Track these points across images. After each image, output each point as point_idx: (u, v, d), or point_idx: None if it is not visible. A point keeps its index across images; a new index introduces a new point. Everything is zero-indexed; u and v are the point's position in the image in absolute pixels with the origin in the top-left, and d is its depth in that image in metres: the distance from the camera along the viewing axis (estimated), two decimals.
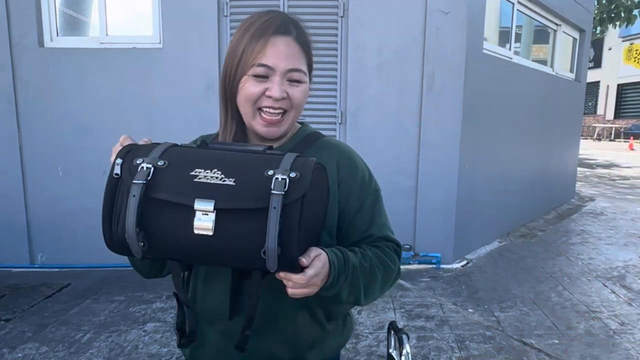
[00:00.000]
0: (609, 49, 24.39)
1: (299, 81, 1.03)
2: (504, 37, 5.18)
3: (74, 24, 4.20)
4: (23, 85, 3.85)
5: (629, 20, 11.19)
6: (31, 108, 3.88)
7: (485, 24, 4.39)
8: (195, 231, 0.81)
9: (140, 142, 0.95)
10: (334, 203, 1.07)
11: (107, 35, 3.93)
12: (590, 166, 12.49)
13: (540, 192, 6.08)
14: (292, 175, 0.83)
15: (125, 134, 0.98)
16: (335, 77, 3.96)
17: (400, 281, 3.78)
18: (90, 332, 2.90)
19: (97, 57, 3.87)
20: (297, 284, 0.86)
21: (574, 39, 6.87)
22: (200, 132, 4.14)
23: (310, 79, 1.10)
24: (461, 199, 4.16)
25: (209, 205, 0.81)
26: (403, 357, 0.87)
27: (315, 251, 0.89)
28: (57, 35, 3.94)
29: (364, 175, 1.15)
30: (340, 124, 4.01)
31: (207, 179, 0.83)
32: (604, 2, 11.35)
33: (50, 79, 3.85)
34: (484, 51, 4.42)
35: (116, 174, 0.88)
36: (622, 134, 23.35)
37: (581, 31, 6.87)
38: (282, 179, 0.82)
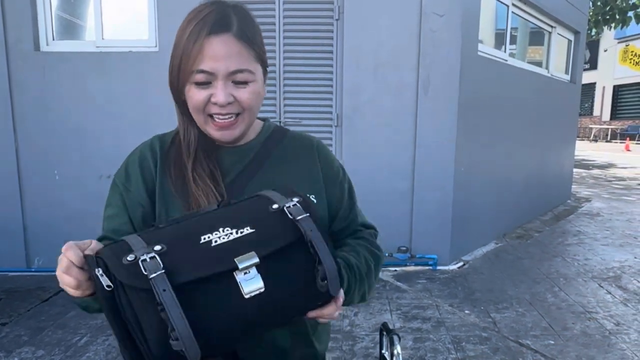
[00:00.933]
0: (605, 51, 24.48)
1: (245, 82, 0.95)
2: (499, 39, 5.21)
3: (70, 28, 4.21)
4: (19, 89, 3.85)
5: (624, 21, 11.24)
6: (27, 112, 3.88)
7: (480, 26, 4.41)
8: (247, 296, 0.70)
9: (88, 250, 0.74)
10: (322, 191, 1.07)
11: (103, 39, 3.93)
12: (586, 167, 12.52)
13: (536, 193, 6.10)
14: (296, 199, 0.79)
15: (67, 245, 0.74)
16: (331, 79, 3.97)
17: (397, 283, 3.79)
18: (87, 336, 2.90)
19: (93, 61, 3.87)
20: (331, 315, 0.83)
21: (569, 40, 6.90)
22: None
23: (265, 72, 1.02)
24: (457, 200, 4.17)
25: (253, 259, 0.71)
26: (394, 358, 0.88)
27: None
28: (53, 39, 3.94)
29: (339, 164, 1.15)
30: (336, 126, 4.02)
31: (223, 239, 0.73)
32: (598, 3, 11.40)
33: (47, 83, 3.85)
34: (479, 53, 4.44)
35: (108, 286, 0.69)
36: (619, 135, 23.42)
37: (576, 33, 6.90)
38: (294, 205, 0.78)
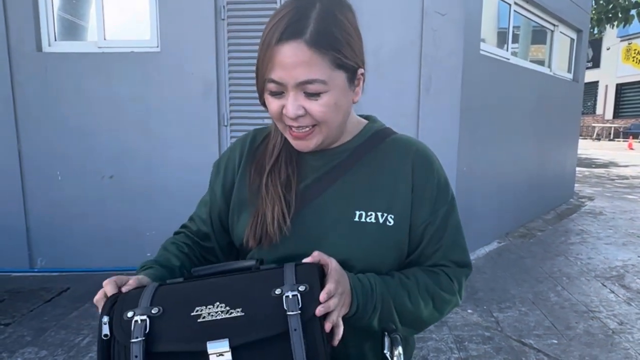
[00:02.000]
0: (608, 49, 24.43)
1: (317, 93, 0.87)
2: (501, 38, 5.19)
3: (72, 29, 4.21)
4: (21, 90, 3.86)
5: (627, 20, 11.21)
6: (30, 113, 3.89)
7: (483, 25, 4.40)
8: None
9: (125, 287, 0.84)
10: (406, 210, 0.97)
11: (104, 39, 3.94)
12: (589, 166, 12.50)
13: (538, 192, 6.09)
14: (302, 288, 0.76)
15: (109, 279, 0.85)
16: None
17: None
18: (90, 336, 2.90)
19: (95, 62, 3.87)
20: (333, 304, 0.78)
21: (572, 39, 6.89)
22: (198, 136, 4.18)
23: (353, 77, 0.96)
24: (459, 200, 4.12)
25: (224, 346, 0.73)
26: (396, 358, 0.87)
27: (330, 259, 0.84)
28: (55, 39, 3.95)
29: (440, 180, 1.01)
30: None
31: (212, 315, 0.75)
32: (601, 2, 11.37)
33: (49, 84, 3.86)
34: (481, 52, 4.43)
35: (105, 335, 0.77)
36: (622, 133, 23.37)
37: (578, 31, 6.88)
38: (292, 295, 0.75)
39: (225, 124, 3.92)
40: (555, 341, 2.88)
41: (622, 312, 3.30)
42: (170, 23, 3.82)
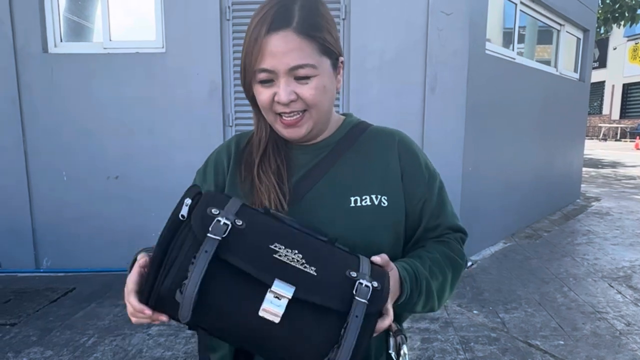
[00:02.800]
0: (614, 49, 24.30)
1: (307, 77, 0.92)
2: (507, 38, 5.17)
3: (77, 30, 4.23)
4: (27, 91, 3.88)
5: (633, 19, 11.15)
6: (36, 113, 3.91)
7: (488, 25, 4.38)
8: (261, 313, 0.71)
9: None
10: (398, 192, 1.01)
11: (110, 40, 3.95)
12: (595, 166, 12.43)
13: (545, 193, 6.06)
14: (375, 285, 0.76)
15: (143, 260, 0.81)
16: None
17: None
18: (95, 336, 2.91)
19: (100, 63, 3.89)
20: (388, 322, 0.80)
21: (578, 38, 6.85)
22: (203, 137, 4.19)
23: (336, 64, 0.99)
24: (465, 200, 4.15)
25: (289, 291, 0.71)
26: (401, 358, 0.87)
27: (391, 266, 0.85)
28: (61, 41, 3.97)
29: (427, 163, 1.08)
30: None
31: (289, 259, 0.74)
32: (608, 1, 11.31)
33: (55, 85, 3.88)
34: (487, 52, 4.42)
35: (182, 216, 0.76)
36: (628, 133, 23.23)
37: (585, 31, 6.85)
38: (366, 286, 0.75)
39: (230, 124, 3.92)
40: (562, 342, 2.86)
41: (630, 313, 3.27)
42: (176, 24, 3.83)
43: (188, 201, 0.77)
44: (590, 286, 3.77)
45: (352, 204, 0.98)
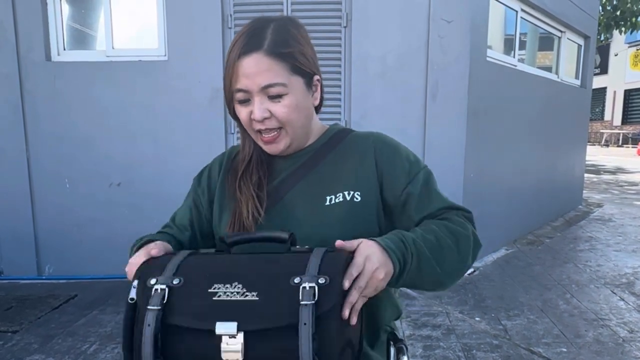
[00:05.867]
0: (615, 55, 24.34)
1: (279, 95, 0.98)
2: (508, 45, 5.19)
3: (80, 38, 4.25)
4: (30, 98, 3.90)
5: (635, 26, 11.17)
6: (38, 121, 3.92)
7: (489, 32, 4.39)
8: (224, 357, 0.72)
9: (154, 250, 0.88)
10: (372, 187, 1.05)
11: (113, 48, 3.97)
12: (597, 172, 12.41)
13: (547, 199, 6.05)
14: (321, 281, 0.74)
15: (152, 245, 0.91)
16: (339, 86, 3.98)
17: (406, 290, 3.77)
18: (97, 344, 2.91)
19: (103, 70, 3.91)
20: (356, 294, 0.78)
21: (579, 45, 6.86)
22: (205, 143, 4.19)
23: (310, 82, 1.04)
24: (467, 206, 4.04)
25: (231, 329, 0.72)
26: None
27: (357, 240, 0.85)
28: (64, 49, 3.99)
29: (408, 155, 1.10)
30: None
31: (228, 295, 0.75)
32: (608, 8, 11.34)
33: (57, 93, 3.89)
34: (488, 59, 4.43)
35: (131, 299, 0.80)
36: (630, 139, 23.20)
37: (586, 37, 6.86)
38: (309, 287, 0.73)
39: (232, 131, 3.93)
40: (565, 349, 2.85)
41: (633, 320, 3.26)
42: (178, 32, 3.85)
43: (135, 283, 0.81)
44: (593, 293, 3.76)
45: (327, 202, 1.03)
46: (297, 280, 0.75)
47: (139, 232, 4.44)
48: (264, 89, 0.97)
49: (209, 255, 0.87)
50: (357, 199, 1.03)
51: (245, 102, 1.00)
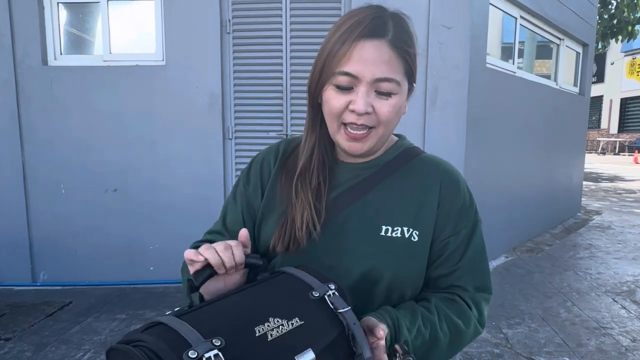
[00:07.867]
0: (612, 64, 24.49)
1: (389, 93, 0.89)
2: (507, 52, 5.18)
3: (77, 43, 4.22)
4: (27, 103, 3.86)
5: (631, 35, 11.21)
6: (34, 126, 3.88)
7: (488, 39, 4.39)
8: None
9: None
10: (430, 227, 0.97)
11: (110, 53, 3.94)
12: (595, 180, 12.42)
13: (546, 206, 6.03)
14: (332, 287, 0.78)
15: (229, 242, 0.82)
16: None
17: None
18: (91, 352, 2.85)
19: (100, 75, 3.88)
20: None
21: (577, 53, 6.87)
22: (203, 149, 4.14)
23: (410, 89, 0.96)
24: None
25: (310, 356, 0.70)
26: None
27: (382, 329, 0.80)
28: (61, 53, 3.96)
29: (465, 201, 1.01)
30: None
31: (278, 332, 0.70)
32: (605, 17, 11.38)
33: (54, 97, 3.86)
34: (488, 65, 4.42)
35: None
36: (627, 147, 23.29)
37: (584, 45, 6.87)
38: (333, 293, 0.76)
39: (230, 137, 3.90)
40: (567, 358, 2.81)
41: (635, 328, 3.22)
42: (176, 37, 3.83)
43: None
44: (594, 301, 3.73)
45: (383, 233, 0.95)
46: (315, 293, 0.77)
47: (135, 238, 4.39)
48: (377, 81, 0.87)
49: (199, 309, 0.74)
50: (414, 238, 0.95)
51: (346, 89, 0.88)
